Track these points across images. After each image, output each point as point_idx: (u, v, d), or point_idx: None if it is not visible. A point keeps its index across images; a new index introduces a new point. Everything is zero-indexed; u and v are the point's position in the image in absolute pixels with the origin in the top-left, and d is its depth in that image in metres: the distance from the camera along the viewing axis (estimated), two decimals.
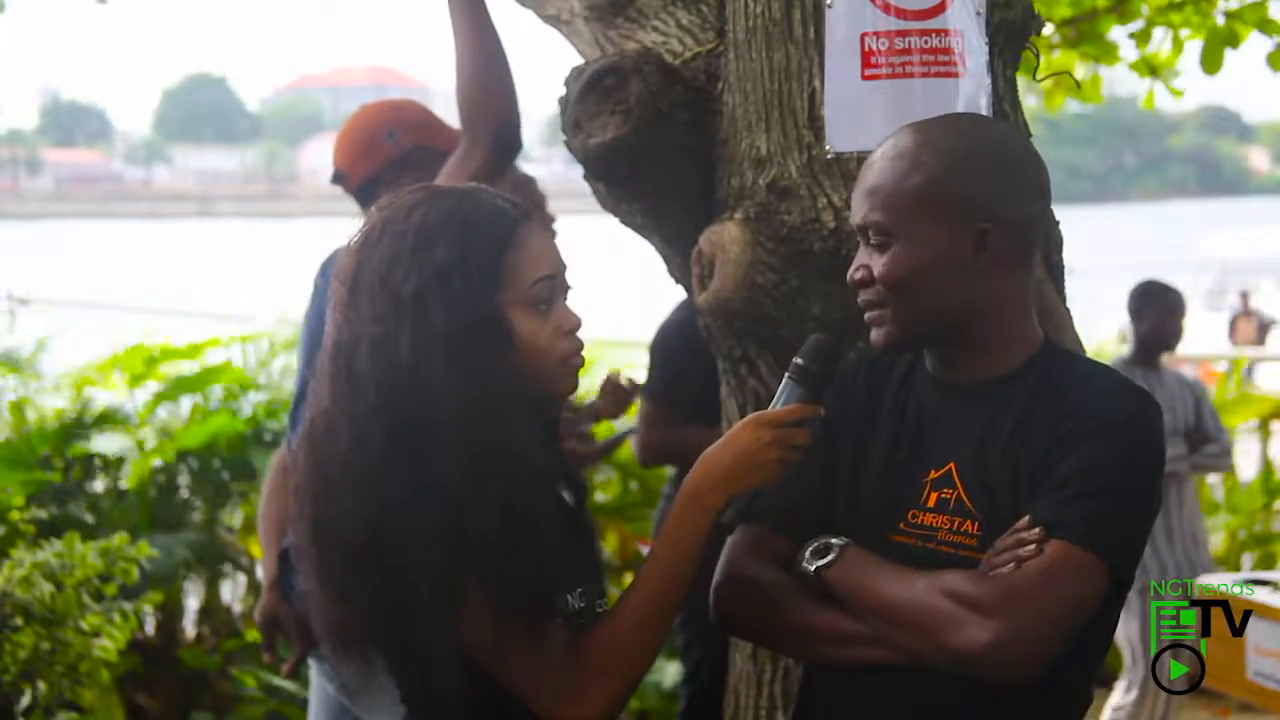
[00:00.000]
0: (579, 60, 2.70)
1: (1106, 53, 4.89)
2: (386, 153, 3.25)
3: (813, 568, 1.88)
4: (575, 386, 1.90)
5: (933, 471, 1.89)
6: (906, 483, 1.90)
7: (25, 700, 3.27)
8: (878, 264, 1.88)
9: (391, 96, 3.54)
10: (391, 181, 3.13)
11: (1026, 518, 1.79)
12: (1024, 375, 1.89)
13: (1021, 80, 2.65)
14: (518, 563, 1.73)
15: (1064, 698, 1.89)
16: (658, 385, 3.96)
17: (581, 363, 1.89)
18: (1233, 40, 4.65)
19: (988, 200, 1.85)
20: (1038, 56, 2.62)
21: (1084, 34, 4.79)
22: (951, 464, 1.88)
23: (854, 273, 1.92)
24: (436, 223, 1.80)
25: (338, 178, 3.34)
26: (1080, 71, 4.83)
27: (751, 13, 2.48)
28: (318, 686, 3.30)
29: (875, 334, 1.91)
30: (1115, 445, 1.81)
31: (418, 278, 1.77)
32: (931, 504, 1.88)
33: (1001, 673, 1.76)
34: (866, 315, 1.91)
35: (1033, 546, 1.76)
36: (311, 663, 3.25)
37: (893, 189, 1.86)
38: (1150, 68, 4.99)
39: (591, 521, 1.99)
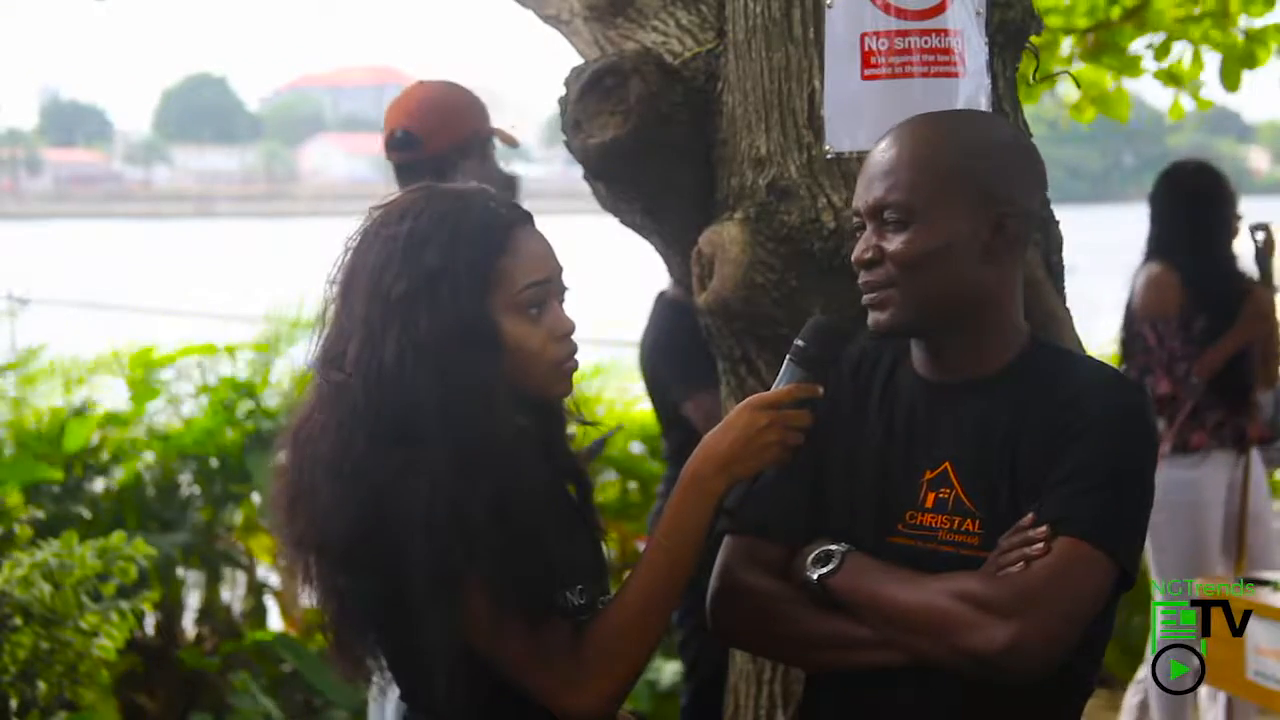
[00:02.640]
0: (579, 60, 2.70)
1: (1128, 65, 4.88)
2: (468, 133, 3.32)
3: (815, 576, 1.87)
4: (569, 389, 1.91)
5: (928, 472, 1.88)
6: (902, 484, 1.89)
7: (25, 700, 3.27)
8: (893, 243, 1.86)
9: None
10: (458, 165, 3.19)
11: (1031, 515, 1.79)
12: (1014, 371, 1.89)
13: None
14: (514, 561, 1.73)
15: (1067, 692, 1.89)
16: (693, 380, 3.84)
17: (575, 366, 1.89)
18: (1250, 61, 4.64)
19: (1007, 187, 1.86)
20: (1038, 57, 2.62)
21: (1102, 44, 4.79)
22: (947, 463, 1.87)
23: (863, 253, 1.89)
24: (428, 227, 1.81)
25: (407, 141, 3.31)
26: (1107, 85, 4.84)
27: (751, 13, 2.48)
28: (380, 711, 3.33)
29: (877, 316, 1.89)
30: (1115, 438, 1.81)
31: (407, 282, 1.78)
32: (929, 504, 1.87)
33: (1020, 672, 1.76)
34: (868, 297, 1.90)
35: (1041, 545, 1.76)
36: (376, 691, 3.28)
37: (918, 170, 1.86)
38: (1173, 77, 4.98)
39: (596, 519, 1.99)
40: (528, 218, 1.89)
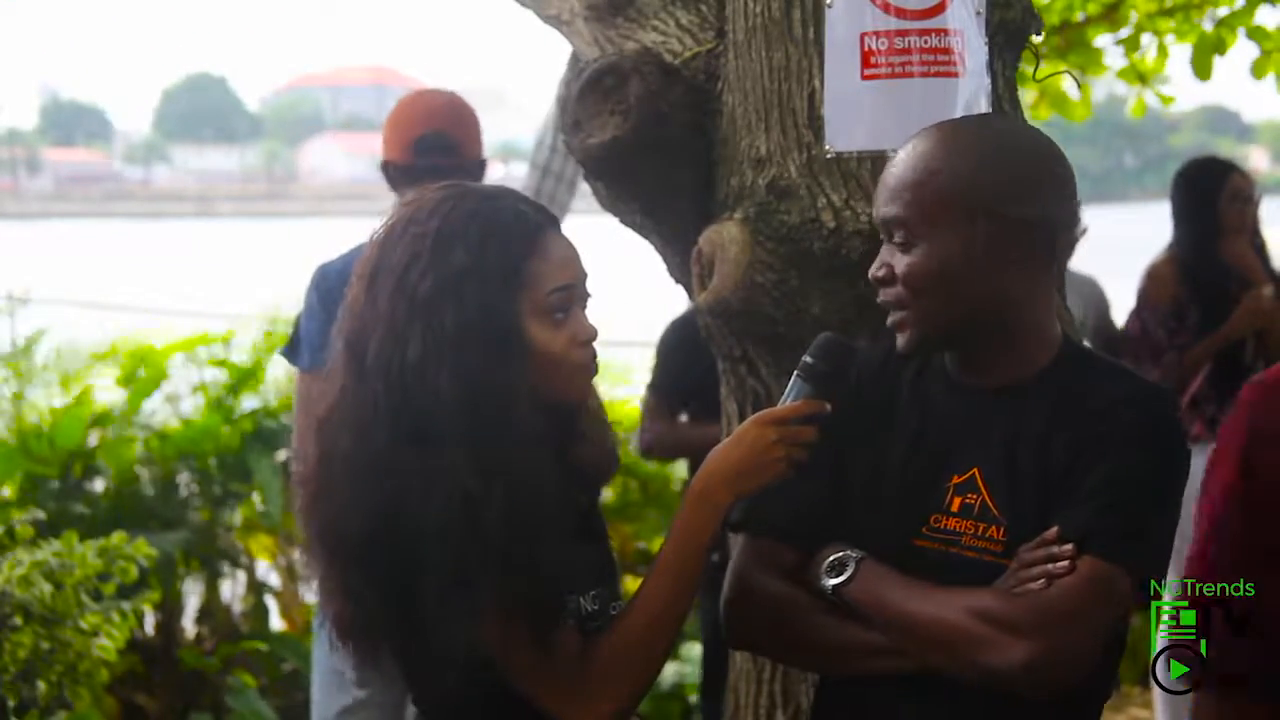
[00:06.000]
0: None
1: (1092, 62, 4.89)
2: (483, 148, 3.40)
3: (830, 585, 1.86)
4: (587, 395, 1.90)
5: (955, 477, 1.86)
6: (928, 487, 1.88)
7: (25, 700, 3.26)
8: (900, 263, 1.86)
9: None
10: (480, 178, 3.25)
11: (1055, 529, 1.77)
12: (1047, 378, 1.87)
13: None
14: (526, 566, 1.73)
15: (1085, 697, 1.88)
16: (659, 379, 4.15)
17: (595, 371, 1.89)
18: (1220, 47, 4.66)
19: (1013, 199, 1.83)
20: (1038, 57, 2.62)
21: (1072, 42, 4.79)
22: (975, 469, 1.86)
23: (876, 270, 1.89)
24: (457, 226, 1.79)
25: (447, 146, 3.27)
26: (1067, 83, 4.84)
27: (751, 13, 2.48)
28: (322, 649, 3.33)
29: (900, 339, 1.89)
30: (1144, 455, 1.79)
31: (433, 280, 1.77)
32: (955, 509, 1.86)
33: (1039, 691, 1.75)
34: (890, 319, 1.89)
35: (1065, 563, 1.74)
36: (316, 624, 3.30)
37: (918, 186, 1.84)
38: (1138, 75, 4.99)
39: (604, 524, 1.99)
40: (555, 221, 1.88)
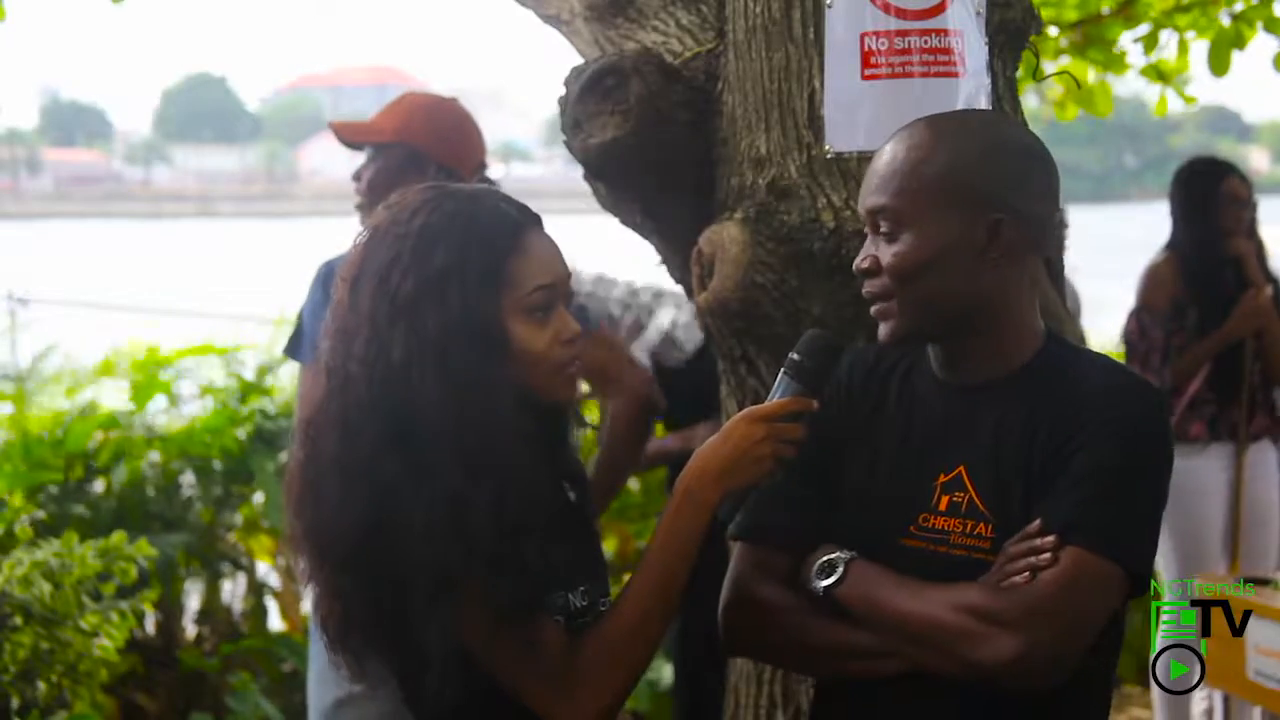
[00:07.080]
0: (579, 60, 2.70)
1: (1114, 61, 4.88)
2: None
3: (820, 587, 1.86)
4: (573, 393, 1.91)
5: (942, 475, 1.87)
6: (916, 486, 1.88)
7: (25, 700, 3.27)
8: (886, 253, 1.85)
9: (393, 96, 3.55)
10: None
11: (1037, 522, 1.77)
12: (1029, 373, 1.87)
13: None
14: (512, 565, 1.73)
15: (1085, 698, 1.87)
16: None
17: (578, 370, 1.89)
18: (1239, 41, 4.65)
19: (1001, 192, 1.83)
20: (1038, 57, 2.62)
21: (1090, 39, 4.77)
22: (961, 467, 1.86)
23: (860, 262, 1.89)
24: (438, 226, 1.80)
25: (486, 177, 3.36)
26: (1089, 80, 4.82)
27: (751, 13, 2.48)
28: (318, 642, 3.33)
29: (882, 328, 1.89)
30: (1128, 445, 1.79)
31: (415, 281, 1.77)
32: (943, 508, 1.86)
33: (1026, 685, 1.75)
34: (873, 309, 1.89)
35: (1048, 555, 1.74)
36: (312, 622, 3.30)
37: (907, 176, 1.84)
38: (1159, 73, 4.98)
39: (595, 521, 1.99)
40: (537, 220, 1.89)
